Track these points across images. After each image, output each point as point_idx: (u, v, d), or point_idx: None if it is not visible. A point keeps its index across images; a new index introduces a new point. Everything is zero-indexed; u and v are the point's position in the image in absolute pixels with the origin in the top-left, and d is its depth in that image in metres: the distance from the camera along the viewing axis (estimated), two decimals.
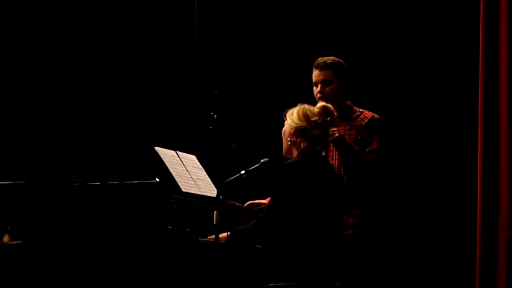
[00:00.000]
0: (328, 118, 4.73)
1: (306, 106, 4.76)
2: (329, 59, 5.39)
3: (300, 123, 4.69)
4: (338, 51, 5.65)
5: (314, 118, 4.70)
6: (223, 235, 4.67)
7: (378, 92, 6.59)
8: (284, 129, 4.79)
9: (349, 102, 5.42)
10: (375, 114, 5.38)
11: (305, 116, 4.70)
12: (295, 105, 4.82)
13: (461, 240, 6.21)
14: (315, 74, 5.38)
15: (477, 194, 5.40)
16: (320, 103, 4.81)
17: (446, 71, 6.51)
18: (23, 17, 6.98)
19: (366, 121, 5.34)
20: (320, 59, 5.40)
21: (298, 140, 4.71)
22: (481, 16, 5.45)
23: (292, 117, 4.72)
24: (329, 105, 4.79)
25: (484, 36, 5.42)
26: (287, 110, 4.80)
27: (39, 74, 6.97)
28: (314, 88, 5.39)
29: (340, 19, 6.81)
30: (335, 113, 4.80)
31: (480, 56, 5.43)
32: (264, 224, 4.59)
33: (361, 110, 5.41)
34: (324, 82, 5.36)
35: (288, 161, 4.69)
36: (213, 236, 4.64)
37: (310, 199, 4.54)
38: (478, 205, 5.39)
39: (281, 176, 4.58)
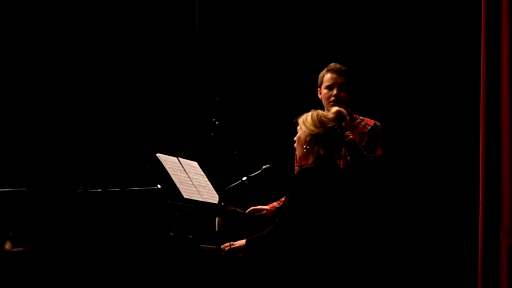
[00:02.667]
0: (343, 124, 4.70)
1: (320, 112, 4.71)
2: (342, 66, 5.40)
3: (316, 130, 4.63)
4: (339, 57, 5.66)
5: (331, 124, 4.65)
6: (239, 243, 4.66)
7: (377, 96, 6.58)
8: (298, 135, 4.72)
9: (349, 109, 5.43)
10: (376, 122, 5.39)
11: (321, 123, 4.64)
12: (298, 111, 4.79)
13: (463, 245, 6.20)
14: (332, 77, 5.37)
15: (479, 199, 5.39)
16: (334, 108, 4.76)
17: (447, 75, 6.51)
18: (19, 19, 6.99)
19: (369, 128, 5.34)
20: (336, 64, 5.41)
21: (316, 147, 4.65)
22: (482, 18, 5.44)
23: (307, 123, 4.65)
24: (342, 109, 4.76)
25: (485, 39, 5.41)
26: (299, 117, 4.75)
27: (40, 78, 6.98)
28: (326, 91, 5.37)
29: (341, 24, 6.81)
30: (348, 117, 4.78)
31: (481, 59, 5.43)
32: (281, 229, 4.54)
33: (361, 117, 5.42)
34: (341, 86, 5.36)
35: (305, 166, 4.65)
36: (225, 244, 4.63)
37: (326, 205, 4.50)
38: (480, 210, 5.38)
39: (297, 181, 4.54)
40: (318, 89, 5.45)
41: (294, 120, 4.77)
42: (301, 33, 6.94)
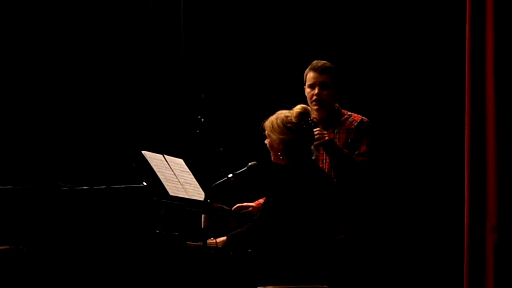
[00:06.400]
0: (309, 120, 4.69)
1: (283, 115, 4.70)
2: (326, 63, 5.37)
3: (285, 137, 4.64)
4: (326, 54, 5.66)
5: (297, 127, 4.65)
6: (221, 239, 4.66)
7: (366, 95, 6.59)
8: (269, 142, 4.72)
9: (337, 105, 5.42)
10: (364, 117, 5.38)
11: (288, 129, 4.64)
12: (284, 108, 4.77)
13: (449, 241, 6.22)
14: (313, 76, 5.34)
15: (465, 196, 5.41)
16: (297, 110, 4.69)
17: (433, 75, 6.52)
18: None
19: (355, 124, 5.34)
20: (318, 62, 5.37)
21: (289, 151, 4.67)
22: (467, 19, 5.46)
23: (275, 131, 4.67)
24: (304, 106, 4.73)
25: (471, 39, 5.43)
26: (264, 121, 4.75)
27: (25, 77, 6.95)
28: (309, 90, 5.36)
29: (327, 22, 6.81)
30: (311, 114, 4.74)
31: (466, 58, 5.45)
32: (258, 226, 4.58)
33: (349, 113, 5.41)
34: (322, 85, 5.33)
35: (282, 165, 4.66)
36: (213, 240, 4.63)
37: (304, 203, 4.53)
38: (465, 207, 5.39)
39: (275, 180, 4.56)
40: (304, 86, 5.45)
41: (260, 126, 4.76)
42: (287, 29, 6.94)
